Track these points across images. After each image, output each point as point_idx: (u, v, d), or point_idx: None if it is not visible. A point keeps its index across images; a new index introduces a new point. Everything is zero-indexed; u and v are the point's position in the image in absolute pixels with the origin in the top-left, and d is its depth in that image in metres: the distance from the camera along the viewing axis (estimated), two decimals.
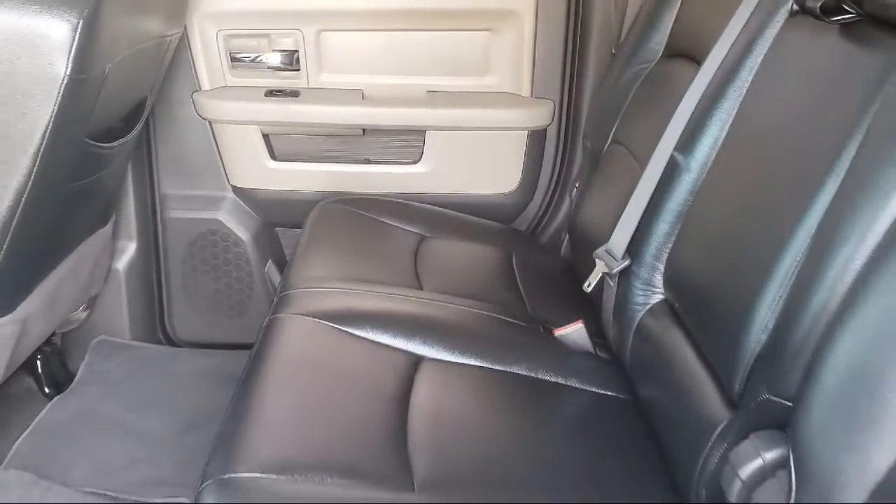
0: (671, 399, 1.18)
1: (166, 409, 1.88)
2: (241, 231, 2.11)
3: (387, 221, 1.87)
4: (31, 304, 1.55)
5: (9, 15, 1.24)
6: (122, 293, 2.05)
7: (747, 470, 0.92)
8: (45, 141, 1.29)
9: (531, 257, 1.87)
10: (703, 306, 1.18)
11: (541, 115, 2.05)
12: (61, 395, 1.90)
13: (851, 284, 0.85)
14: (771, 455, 0.90)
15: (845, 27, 1.09)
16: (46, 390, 1.93)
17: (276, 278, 2.11)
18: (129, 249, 2.04)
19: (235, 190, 2.10)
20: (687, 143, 1.35)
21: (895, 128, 0.90)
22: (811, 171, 1.00)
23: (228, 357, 2.02)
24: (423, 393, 1.24)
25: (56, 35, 1.24)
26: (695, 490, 1.03)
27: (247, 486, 0.97)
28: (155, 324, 2.15)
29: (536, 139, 2.07)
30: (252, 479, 0.97)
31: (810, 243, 0.96)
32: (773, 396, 0.92)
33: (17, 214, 1.35)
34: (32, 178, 1.32)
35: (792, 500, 0.82)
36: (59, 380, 1.96)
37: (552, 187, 2.11)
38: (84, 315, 2.01)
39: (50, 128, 1.28)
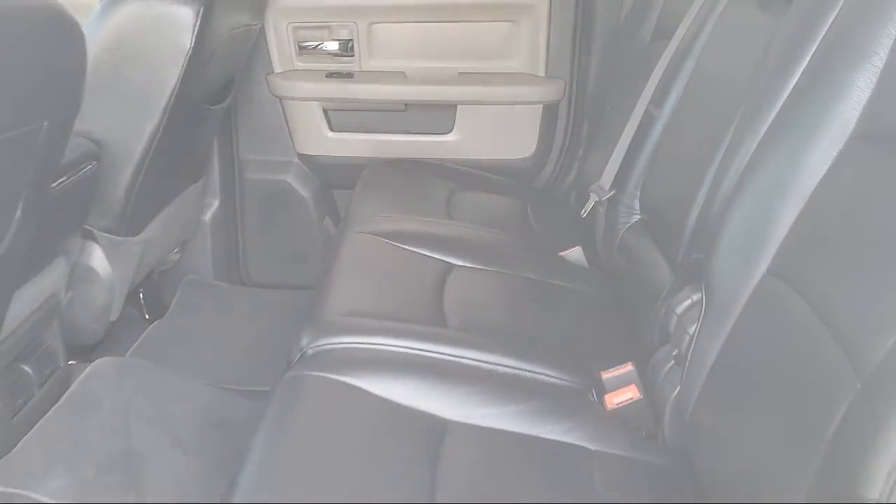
0: (637, 281, 1.59)
1: (242, 332, 2.32)
2: (305, 191, 2.54)
3: (424, 179, 2.30)
4: (150, 231, 2.01)
5: (149, 6, 1.70)
6: (207, 241, 2.50)
7: (680, 308, 1.33)
8: (172, 97, 1.74)
9: (543, 207, 2.27)
10: (663, 213, 1.59)
11: (554, 91, 2.46)
12: (158, 320, 2.35)
13: (741, 174, 1.26)
14: (696, 295, 1.30)
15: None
16: (147, 317, 2.37)
17: (332, 230, 2.54)
18: (213, 205, 2.49)
19: (300, 156, 2.54)
20: (658, 99, 1.76)
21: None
22: (735, 112, 1.40)
23: (292, 295, 2.45)
24: (453, 287, 1.66)
25: (184, 18, 1.69)
26: (650, 334, 1.43)
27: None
28: (233, 267, 2.59)
29: (550, 112, 2.48)
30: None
31: (724, 158, 1.37)
32: (698, 254, 1.33)
33: (149, 156, 1.80)
34: (162, 126, 1.77)
35: (701, 316, 1.23)
36: (156, 309, 2.40)
37: (563, 152, 2.51)
38: (176, 257, 2.46)
39: (177, 88, 1.73)
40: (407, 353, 1.35)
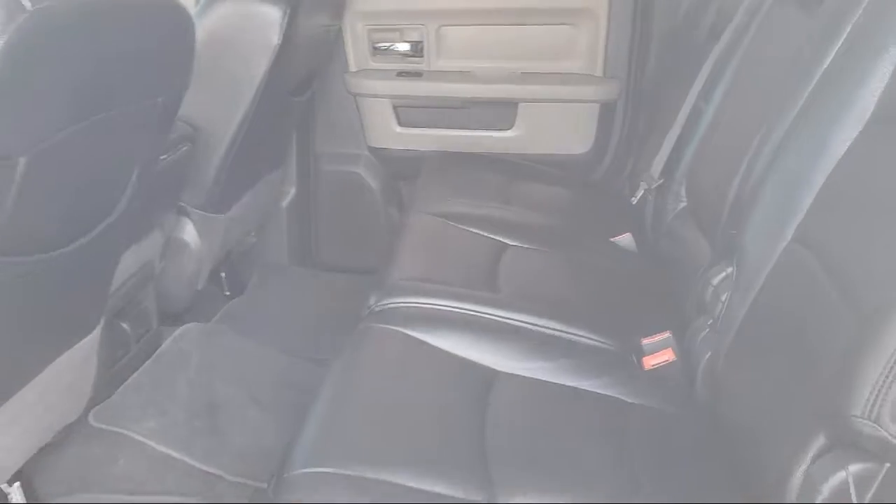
0: (680, 262, 1.71)
1: (313, 309, 2.51)
2: (373, 181, 2.73)
3: (484, 170, 2.45)
4: (235, 211, 2.22)
5: (243, 5, 1.91)
6: (283, 226, 2.70)
7: (716, 280, 1.45)
8: (260, 87, 1.94)
9: (597, 197, 2.40)
10: (705, 199, 1.71)
11: (611, 90, 2.58)
12: (238, 297, 2.55)
13: (772, 157, 1.37)
14: (731, 268, 1.42)
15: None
16: (227, 293, 2.58)
17: (397, 218, 2.71)
18: (290, 193, 2.70)
19: (370, 149, 2.72)
20: (706, 94, 1.89)
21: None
22: (772, 103, 1.52)
23: (359, 278, 2.61)
24: (507, 263, 1.80)
25: (273, 16, 1.89)
26: (689, 306, 1.55)
27: None
28: (306, 251, 2.79)
29: (607, 109, 2.60)
30: None
31: (758, 145, 1.48)
32: (733, 230, 1.45)
33: (237, 140, 2.00)
34: (250, 113, 1.97)
35: (732, 284, 1.35)
36: (236, 287, 2.61)
37: (619, 148, 2.63)
38: (254, 240, 2.67)
39: (264, 78, 1.93)
40: (462, 313, 1.50)
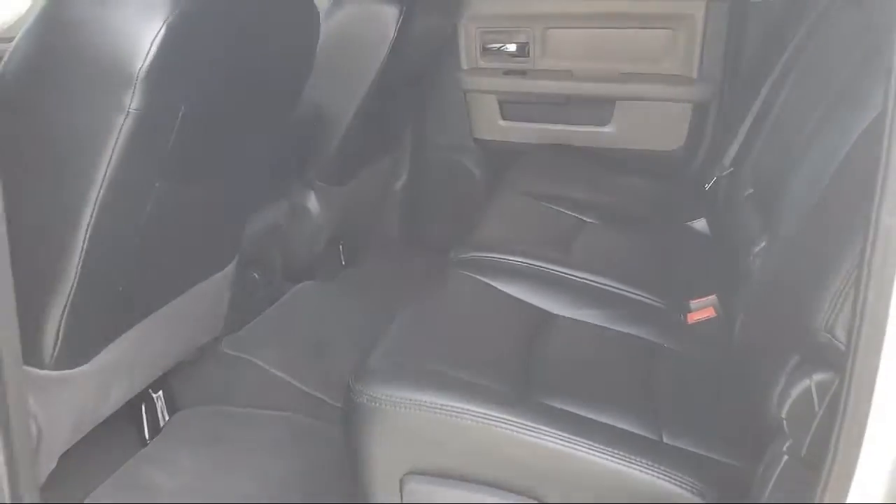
0: (738, 242, 1.89)
1: (417, 283, 2.81)
2: (476, 170, 3.01)
3: (578, 160, 2.68)
4: (352, 187, 2.55)
5: (365, 4, 2.24)
6: (395, 207, 3.03)
7: (757, 248, 1.63)
8: (377, 76, 2.26)
9: (678, 186, 2.57)
10: (767, 188, 1.88)
11: (705, 91, 2.76)
12: (353, 267, 2.89)
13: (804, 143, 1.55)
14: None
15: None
16: (343, 263, 2.92)
17: None
18: (403, 177, 3.02)
19: (475, 140, 3.00)
20: (774, 91, 2.05)
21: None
22: (832, 102, 1.68)
23: None
24: (582, 237, 2.03)
25: (390, 14, 2.21)
26: (736, 274, 1.73)
27: None
28: (414, 230, 3.10)
29: (701, 109, 2.78)
30: None
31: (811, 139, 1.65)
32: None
33: (356, 123, 2.33)
34: (368, 98, 2.29)
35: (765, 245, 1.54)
36: (351, 258, 2.94)
37: (711, 146, 2.79)
38: (369, 219, 3.01)
39: (381, 68, 2.25)
40: (529, 266, 1.76)
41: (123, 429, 1.86)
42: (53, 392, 1.39)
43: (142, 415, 1.89)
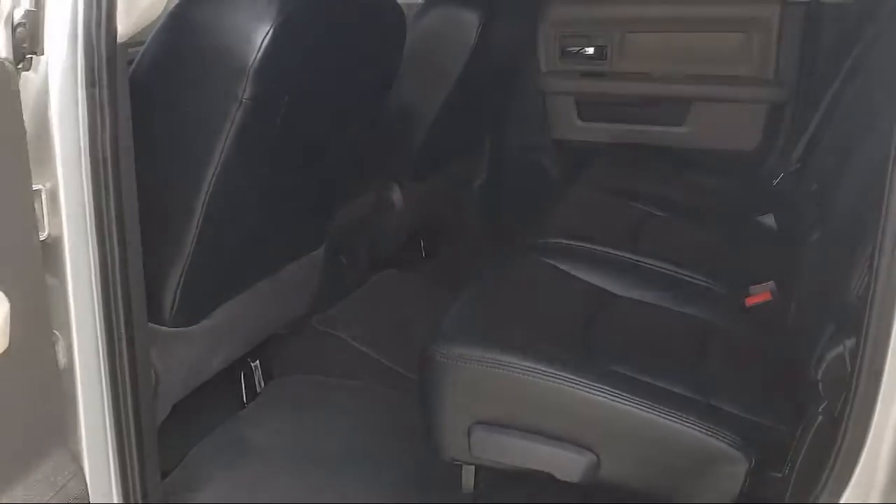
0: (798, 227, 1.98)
1: None
2: (554, 169, 3.14)
3: (651, 158, 2.79)
4: (434, 182, 2.73)
5: (449, 11, 2.41)
6: (474, 203, 3.20)
7: (812, 238, 1.73)
8: (458, 78, 2.43)
9: (749, 182, 2.65)
10: (827, 182, 1.96)
11: (780, 93, 2.83)
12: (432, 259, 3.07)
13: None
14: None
15: None
16: (423, 255, 3.10)
17: None
18: (482, 176, 3.19)
19: (553, 141, 3.14)
20: (840, 90, 2.13)
21: None
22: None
23: None
24: (650, 229, 2.15)
25: (472, 21, 2.38)
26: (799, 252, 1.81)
27: None
28: (494, 227, 3.25)
29: (776, 110, 2.84)
30: None
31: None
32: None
33: (437, 121, 2.51)
34: (451, 101, 2.46)
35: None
36: (431, 251, 3.11)
37: (786, 146, 2.85)
38: (448, 215, 3.18)
39: (462, 71, 2.42)
40: (597, 252, 1.90)
41: (223, 393, 2.07)
42: (170, 347, 1.61)
43: (240, 381, 2.10)
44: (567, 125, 3.10)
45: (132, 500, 1.36)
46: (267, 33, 1.40)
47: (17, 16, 1.12)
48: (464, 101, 2.57)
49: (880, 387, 1.02)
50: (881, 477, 1.03)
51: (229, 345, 1.85)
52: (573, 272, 1.81)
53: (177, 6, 1.45)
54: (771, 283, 1.78)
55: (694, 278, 1.85)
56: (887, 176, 0.98)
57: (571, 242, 1.93)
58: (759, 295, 1.76)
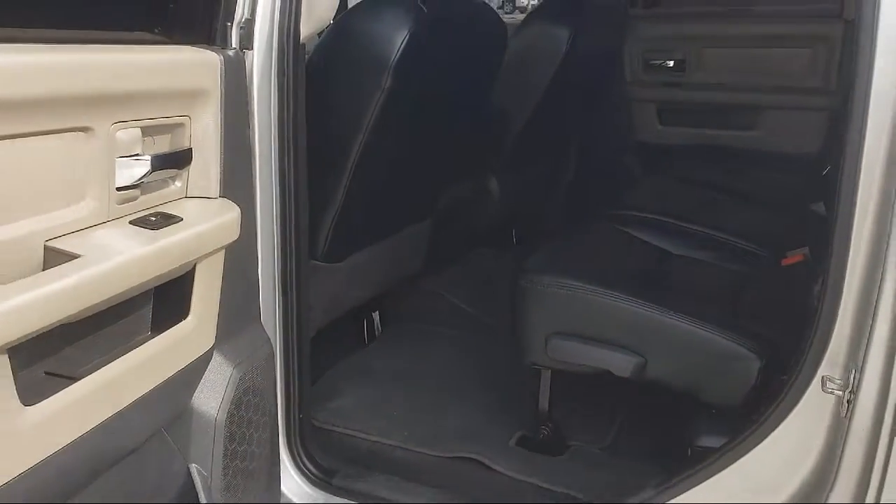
0: None
1: None
2: (635, 165, 3.58)
3: (718, 155, 3.20)
4: (526, 175, 3.21)
5: (543, 26, 2.91)
6: (563, 199, 3.66)
7: None
8: (549, 85, 2.91)
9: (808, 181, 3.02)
10: None
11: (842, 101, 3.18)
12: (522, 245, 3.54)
13: None
14: None
15: None
16: (515, 244, 3.57)
17: None
18: (569, 173, 3.65)
19: (635, 142, 3.58)
20: None
21: None
22: None
23: None
24: (713, 205, 2.57)
25: (562, 34, 2.86)
26: None
27: None
28: (580, 221, 3.70)
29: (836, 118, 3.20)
30: None
31: None
32: None
33: (528, 124, 2.99)
34: (541, 106, 2.93)
35: None
36: (524, 242, 3.58)
37: None
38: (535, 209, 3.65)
39: (553, 78, 2.90)
40: (660, 220, 2.34)
41: (350, 333, 2.60)
42: (319, 279, 2.13)
43: (363, 325, 2.63)
44: (648, 129, 3.53)
45: (292, 391, 1.86)
46: (404, 39, 1.93)
47: (240, 22, 1.66)
48: (554, 105, 3.04)
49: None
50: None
51: (359, 287, 2.37)
52: (638, 236, 2.25)
53: (339, 19, 1.99)
54: (805, 248, 2.18)
55: (740, 244, 2.26)
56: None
57: (638, 213, 2.38)
58: (794, 256, 2.16)
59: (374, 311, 2.66)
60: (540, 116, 3.00)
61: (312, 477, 1.90)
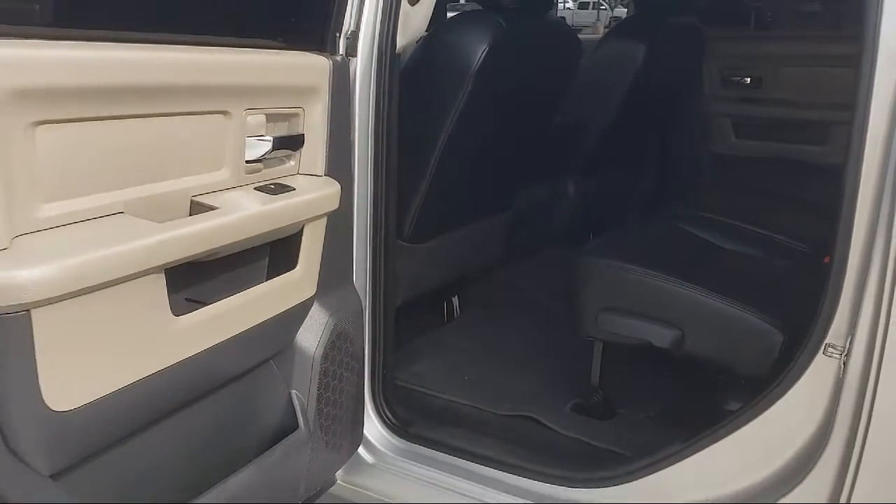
0: None
1: None
2: (709, 176, 3.80)
3: (793, 172, 3.39)
4: (601, 182, 3.48)
5: (620, 42, 3.19)
6: (639, 204, 3.91)
7: None
8: (625, 94, 3.19)
9: None
10: None
11: None
12: None
13: None
14: None
15: None
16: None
17: None
18: (649, 179, 3.90)
19: (712, 154, 3.79)
20: None
21: None
22: None
23: None
24: (767, 212, 2.79)
25: (637, 49, 3.13)
26: None
27: None
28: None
29: None
30: None
31: None
32: None
33: (603, 130, 3.27)
34: (616, 112, 3.22)
35: None
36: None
37: None
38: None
39: (627, 90, 3.18)
40: (714, 219, 2.58)
41: (430, 312, 2.94)
42: (404, 258, 2.47)
43: (443, 307, 2.96)
44: (724, 141, 3.75)
45: (377, 349, 2.20)
46: (483, 51, 2.27)
47: (347, 33, 2.03)
48: (632, 116, 3.32)
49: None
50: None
51: (439, 269, 2.70)
52: (694, 232, 2.51)
53: (430, 32, 2.35)
54: None
55: (788, 241, 2.48)
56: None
57: (699, 213, 2.63)
58: None
59: (453, 296, 2.99)
60: (617, 126, 3.29)
61: (391, 424, 2.24)
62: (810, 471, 1.72)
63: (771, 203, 2.89)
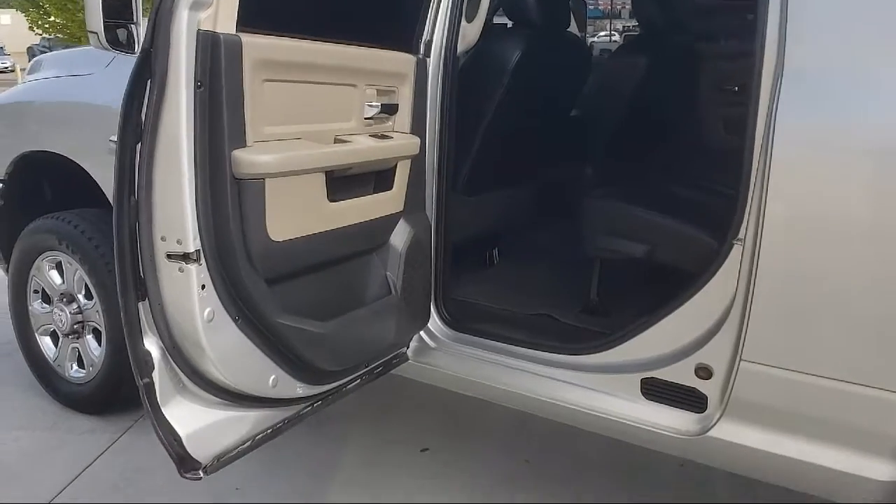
0: None
1: None
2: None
3: None
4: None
5: (630, 55, 4.25)
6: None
7: None
8: (630, 99, 4.22)
9: None
10: None
11: None
12: None
13: None
14: None
15: None
16: None
17: None
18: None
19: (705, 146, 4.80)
20: None
21: None
22: None
23: None
24: None
25: (641, 65, 4.18)
26: None
27: None
28: None
29: None
30: None
31: None
32: None
33: (614, 127, 4.31)
34: (627, 113, 4.26)
35: None
36: None
37: None
38: None
39: (631, 95, 4.22)
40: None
41: (475, 259, 3.98)
42: (457, 203, 3.51)
43: (486, 256, 4.01)
44: (717, 136, 4.75)
45: (439, 262, 3.25)
46: (517, 55, 3.34)
47: (425, 40, 3.09)
48: (633, 114, 4.34)
49: None
50: None
51: (483, 219, 3.75)
52: (669, 186, 3.53)
53: (477, 42, 3.43)
54: None
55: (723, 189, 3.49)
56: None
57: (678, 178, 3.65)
58: None
59: (494, 248, 4.04)
60: (624, 121, 4.32)
61: (448, 320, 3.27)
62: (723, 325, 2.70)
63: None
